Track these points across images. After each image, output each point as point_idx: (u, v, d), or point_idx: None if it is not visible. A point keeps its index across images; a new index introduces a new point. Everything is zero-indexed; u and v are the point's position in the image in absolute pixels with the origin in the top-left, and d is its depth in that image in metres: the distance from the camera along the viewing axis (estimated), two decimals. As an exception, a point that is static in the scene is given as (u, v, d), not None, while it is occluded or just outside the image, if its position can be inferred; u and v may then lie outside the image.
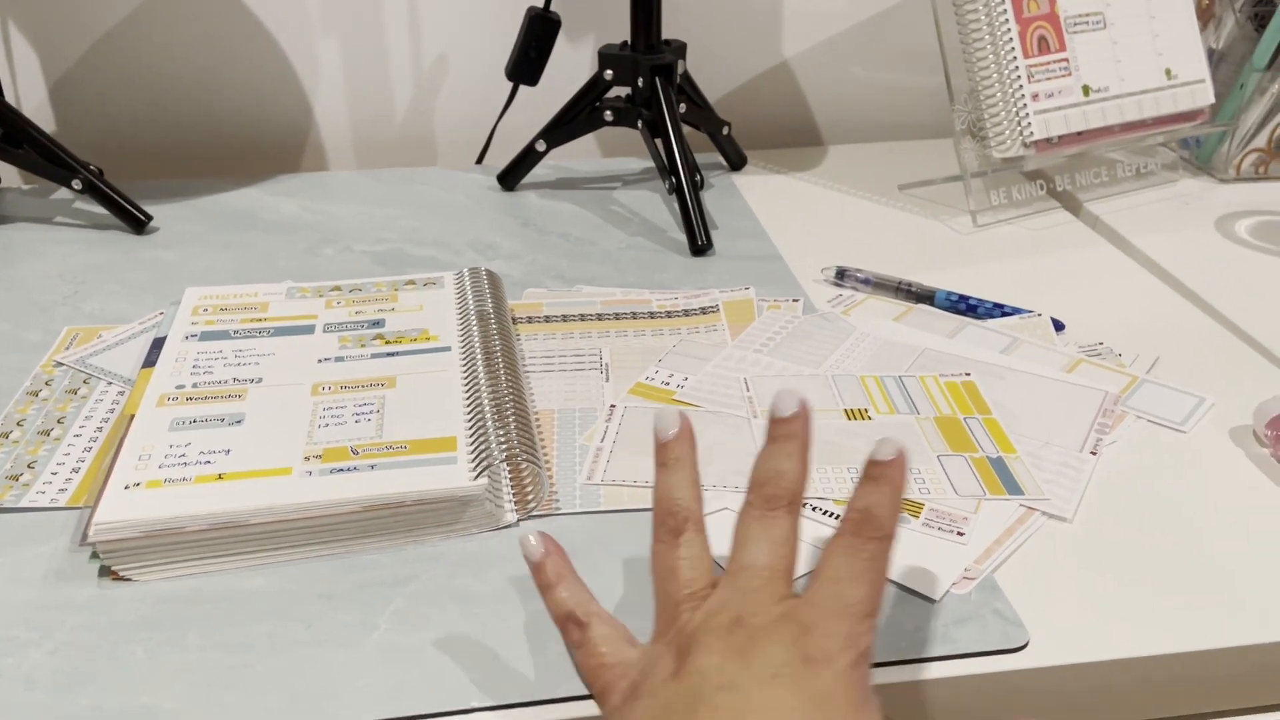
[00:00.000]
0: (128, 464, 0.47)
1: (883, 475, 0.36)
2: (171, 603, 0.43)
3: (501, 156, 0.87)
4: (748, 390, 0.57)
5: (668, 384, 0.58)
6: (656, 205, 0.83)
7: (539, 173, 0.87)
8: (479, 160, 0.93)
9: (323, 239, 0.77)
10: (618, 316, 0.65)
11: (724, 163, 0.91)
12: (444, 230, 0.78)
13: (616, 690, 0.36)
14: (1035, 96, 0.75)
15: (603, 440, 0.53)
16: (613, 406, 0.56)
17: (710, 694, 0.31)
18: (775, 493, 0.36)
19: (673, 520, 0.37)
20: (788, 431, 0.37)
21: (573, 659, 0.39)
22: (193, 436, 0.49)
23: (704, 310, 0.66)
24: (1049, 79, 0.76)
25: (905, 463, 0.36)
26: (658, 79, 0.78)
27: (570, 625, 0.39)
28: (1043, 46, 0.76)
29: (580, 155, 0.95)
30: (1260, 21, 0.83)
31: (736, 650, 0.32)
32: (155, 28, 0.89)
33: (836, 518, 0.47)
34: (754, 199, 0.84)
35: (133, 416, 0.50)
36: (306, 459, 0.47)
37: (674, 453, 0.39)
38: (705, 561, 0.37)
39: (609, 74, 0.80)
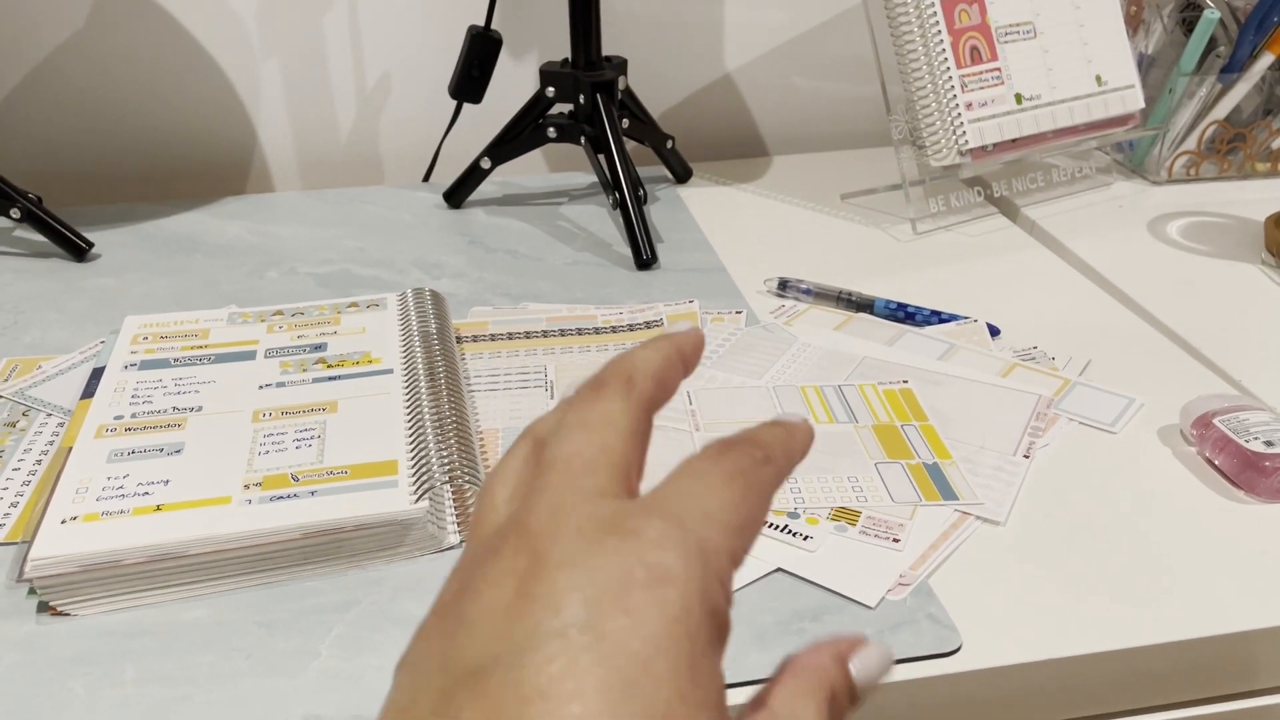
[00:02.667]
0: (65, 497, 0.46)
1: (779, 422, 0.27)
2: (110, 636, 0.43)
3: (448, 174, 0.87)
4: (690, 404, 0.58)
5: (612, 399, 0.58)
6: (603, 220, 0.84)
7: (486, 189, 0.88)
8: (425, 178, 0.93)
9: (267, 261, 0.76)
10: (563, 333, 0.66)
11: (669, 176, 0.92)
12: (389, 250, 0.78)
13: (476, 534, 0.25)
14: (969, 105, 0.77)
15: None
16: (556, 424, 0.56)
17: (469, 674, 0.21)
18: (606, 375, 0.26)
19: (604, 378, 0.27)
20: (662, 337, 0.28)
21: None
22: (131, 468, 0.48)
23: (648, 324, 0.67)
24: (982, 88, 0.77)
25: (810, 432, 0.28)
26: (599, 95, 0.79)
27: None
28: (975, 56, 0.77)
29: (528, 171, 0.95)
30: (1188, 26, 0.86)
31: (516, 582, 0.21)
32: (93, 53, 0.89)
33: (772, 527, 0.48)
34: (699, 211, 0.85)
35: (70, 449, 0.50)
36: (246, 487, 0.47)
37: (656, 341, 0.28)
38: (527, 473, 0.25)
39: (551, 91, 0.80)
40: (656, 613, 0.21)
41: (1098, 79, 0.82)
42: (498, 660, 0.20)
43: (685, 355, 0.28)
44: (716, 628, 0.22)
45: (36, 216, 0.75)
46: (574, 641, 0.20)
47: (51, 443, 0.54)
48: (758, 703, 0.24)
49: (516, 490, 0.25)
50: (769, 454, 0.26)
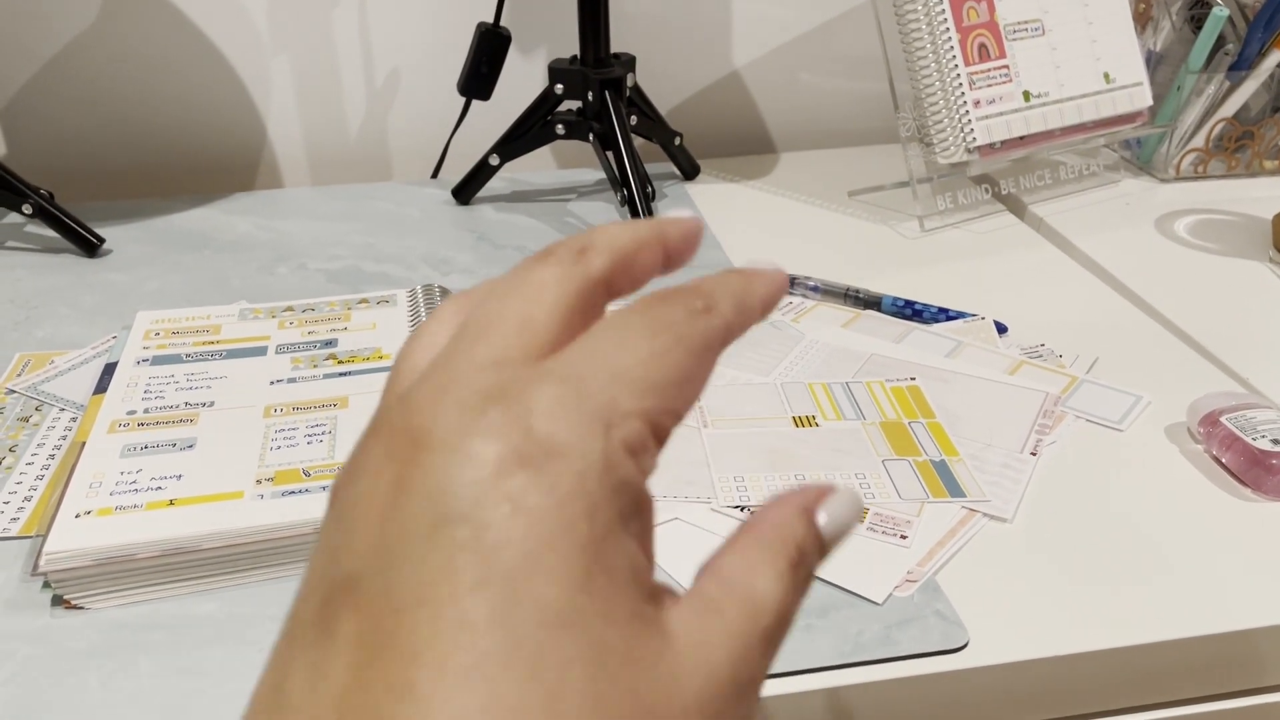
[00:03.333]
0: (78, 492, 0.47)
1: (742, 270, 0.23)
2: (124, 630, 0.43)
3: (457, 171, 0.88)
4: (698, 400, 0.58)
5: (620, 396, 0.59)
6: (611, 217, 0.84)
7: (494, 186, 0.88)
8: (434, 175, 0.93)
9: (277, 257, 0.77)
10: (571, 329, 0.66)
11: (677, 172, 0.92)
12: (399, 246, 0.79)
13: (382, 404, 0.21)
14: (977, 103, 0.77)
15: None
16: (565, 420, 0.57)
17: (352, 580, 0.18)
18: (555, 244, 0.22)
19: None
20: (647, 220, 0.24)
21: None
22: (144, 463, 0.49)
23: (656, 321, 0.67)
24: (990, 85, 0.77)
25: (782, 280, 0.24)
26: (607, 92, 0.79)
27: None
28: (983, 54, 0.77)
29: (536, 168, 0.95)
30: (1196, 24, 0.86)
31: (395, 470, 0.19)
32: (104, 49, 0.89)
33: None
34: (707, 208, 0.85)
35: (84, 444, 0.50)
36: (258, 482, 0.48)
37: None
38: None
39: (559, 88, 0.80)
40: (542, 496, 0.18)
41: (1106, 76, 0.82)
42: (369, 566, 0.18)
43: (669, 242, 0.23)
44: (629, 502, 0.19)
45: (48, 212, 0.76)
46: (450, 538, 0.17)
47: (64, 438, 0.55)
48: (711, 569, 0.21)
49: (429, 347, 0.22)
50: (711, 303, 0.21)
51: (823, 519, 0.22)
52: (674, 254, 0.23)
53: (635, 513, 0.19)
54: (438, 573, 0.17)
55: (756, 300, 0.23)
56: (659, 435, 0.20)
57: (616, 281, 0.22)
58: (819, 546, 0.22)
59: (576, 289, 0.21)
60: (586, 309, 0.21)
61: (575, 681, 0.17)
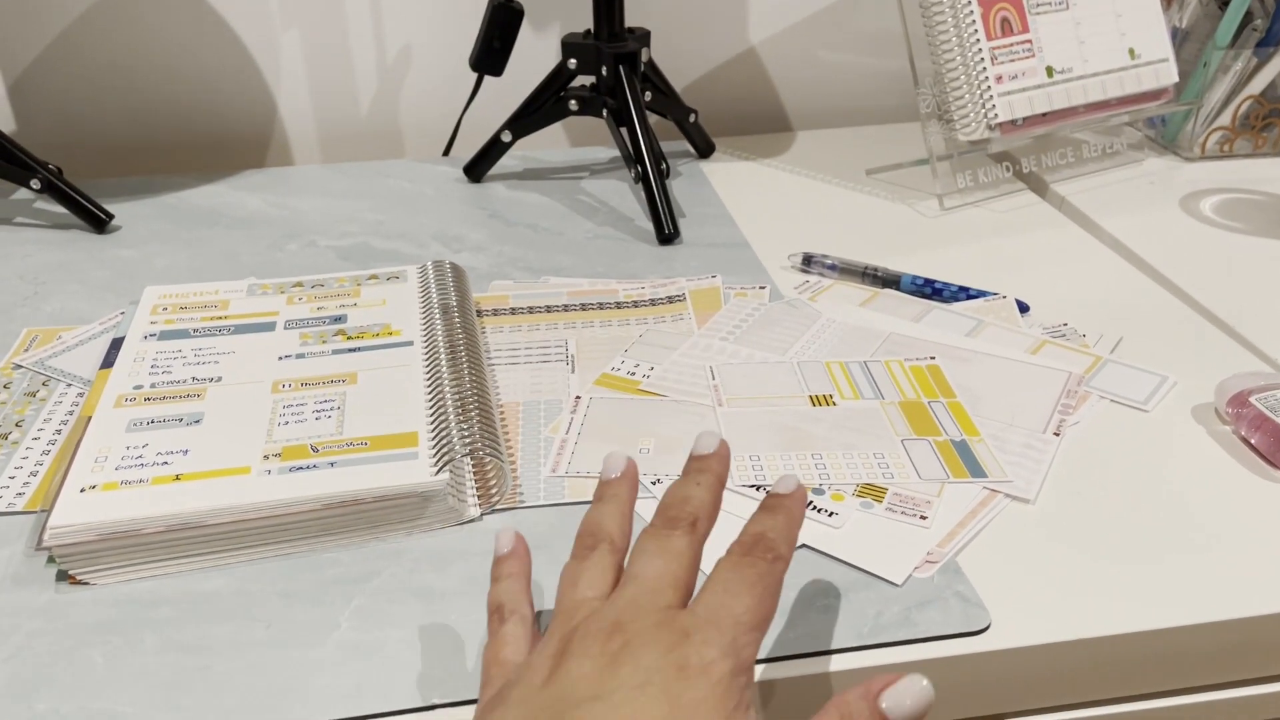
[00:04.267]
0: (84, 466, 0.46)
1: (779, 505, 0.37)
2: (129, 605, 0.42)
3: (469, 148, 0.87)
4: (713, 379, 0.57)
5: (633, 374, 0.58)
6: (624, 194, 0.83)
7: (506, 163, 0.87)
8: (446, 152, 0.92)
9: (287, 234, 0.76)
10: (584, 307, 0.65)
11: (692, 150, 0.91)
12: (409, 223, 0.78)
13: (490, 690, 0.34)
14: (999, 79, 0.75)
15: (567, 432, 0.53)
16: (578, 398, 0.56)
17: (574, 706, 0.30)
18: (678, 514, 0.36)
19: (590, 539, 0.37)
20: (702, 465, 0.38)
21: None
22: (150, 437, 0.48)
23: (670, 299, 0.66)
24: (1012, 60, 0.76)
25: (804, 497, 0.38)
26: (621, 67, 0.78)
27: (495, 616, 0.38)
28: (1006, 28, 0.76)
29: (548, 145, 0.94)
30: (1222, 0, 0.84)
31: (610, 656, 0.31)
32: (114, 24, 0.88)
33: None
34: (722, 186, 0.84)
35: (89, 419, 0.50)
36: (265, 458, 0.47)
37: (612, 489, 0.39)
38: (608, 580, 0.36)
39: (573, 63, 0.79)
40: (705, 682, 0.30)
41: (1131, 52, 0.80)
42: (597, 698, 0.30)
43: (724, 482, 0.39)
44: (748, 693, 0.32)
45: (57, 187, 0.75)
46: (649, 691, 0.30)
47: (71, 412, 0.54)
48: None
49: (595, 587, 0.35)
50: (778, 552, 0.35)
51: (885, 703, 0.32)
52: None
53: (750, 700, 0.31)
54: (642, 707, 0.30)
55: (797, 527, 0.37)
56: (758, 647, 0.33)
57: (710, 530, 0.37)
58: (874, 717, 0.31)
59: (696, 551, 0.36)
60: (700, 556, 0.36)
61: None
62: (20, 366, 0.59)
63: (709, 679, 0.30)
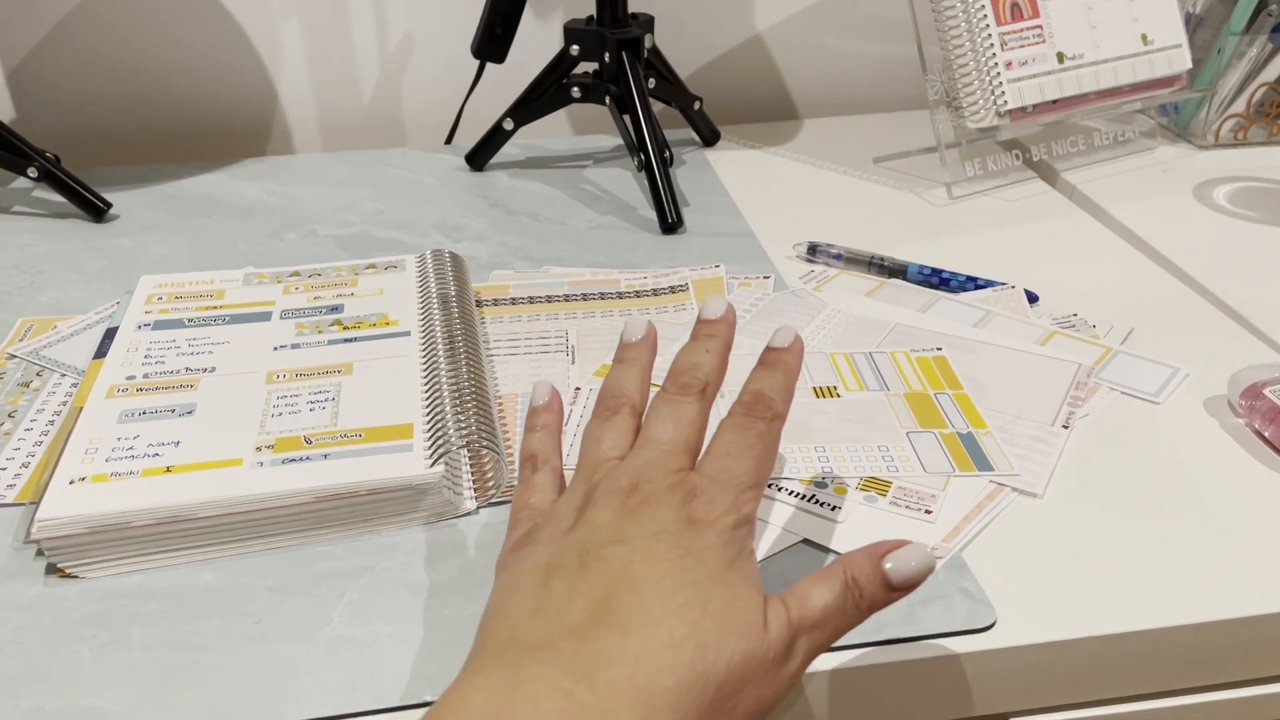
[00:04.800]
0: (74, 458, 0.45)
1: (777, 361, 0.40)
2: (119, 599, 0.42)
3: (472, 136, 0.86)
4: (715, 369, 0.56)
5: (634, 365, 0.57)
6: (628, 183, 0.82)
7: (509, 152, 0.86)
8: (448, 140, 0.91)
9: (286, 223, 0.75)
10: (585, 297, 0.64)
11: (697, 138, 0.90)
12: (410, 213, 0.77)
13: (519, 531, 0.38)
14: (1009, 65, 0.74)
15: (567, 425, 0.52)
16: (577, 389, 0.55)
17: (599, 547, 0.34)
18: (688, 380, 0.39)
19: (612, 401, 0.41)
20: (710, 330, 0.41)
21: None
22: (142, 429, 0.47)
23: (673, 289, 0.65)
24: (1022, 46, 0.74)
25: (800, 349, 0.40)
26: (624, 54, 0.76)
27: (527, 464, 0.42)
28: (1016, 13, 0.74)
29: (551, 133, 0.93)
30: (1238, -16, 0.82)
31: (629, 510, 0.35)
32: (112, 12, 0.87)
33: (799, 496, 0.46)
34: (727, 175, 0.83)
35: (81, 409, 0.49)
36: (258, 449, 0.46)
37: (632, 352, 0.42)
38: (628, 440, 0.39)
39: (575, 49, 0.78)
40: (711, 532, 0.34)
41: (1143, 38, 0.79)
42: (619, 541, 0.34)
43: (730, 346, 0.41)
44: (749, 542, 0.35)
45: (54, 176, 0.75)
46: (664, 539, 0.34)
47: (65, 403, 0.54)
48: (795, 586, 0.35)
49: (617, 447, 0.39)
50: (775, 410, 0.38)
51: (889, 564, 0.34)
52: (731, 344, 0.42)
53: (739, 560, 0.34)
54: (658, 553, 0.33)
55: (794, 379, 0.40)
56: (760, 494, 0.37)
57: (716, 394, 0.40)
58: (881, 583, 0.34)
59: (707, 414, 0.39)
60: (708, 418, 0.39)
61: (716, 601, 0.32)
62: (15, 356, 0.58)
63: (714, 530, 0.34)
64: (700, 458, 0.37)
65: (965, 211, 0.76)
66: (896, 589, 0.34)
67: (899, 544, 0.34)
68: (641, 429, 0.39)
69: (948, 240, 0.71)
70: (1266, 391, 0.50)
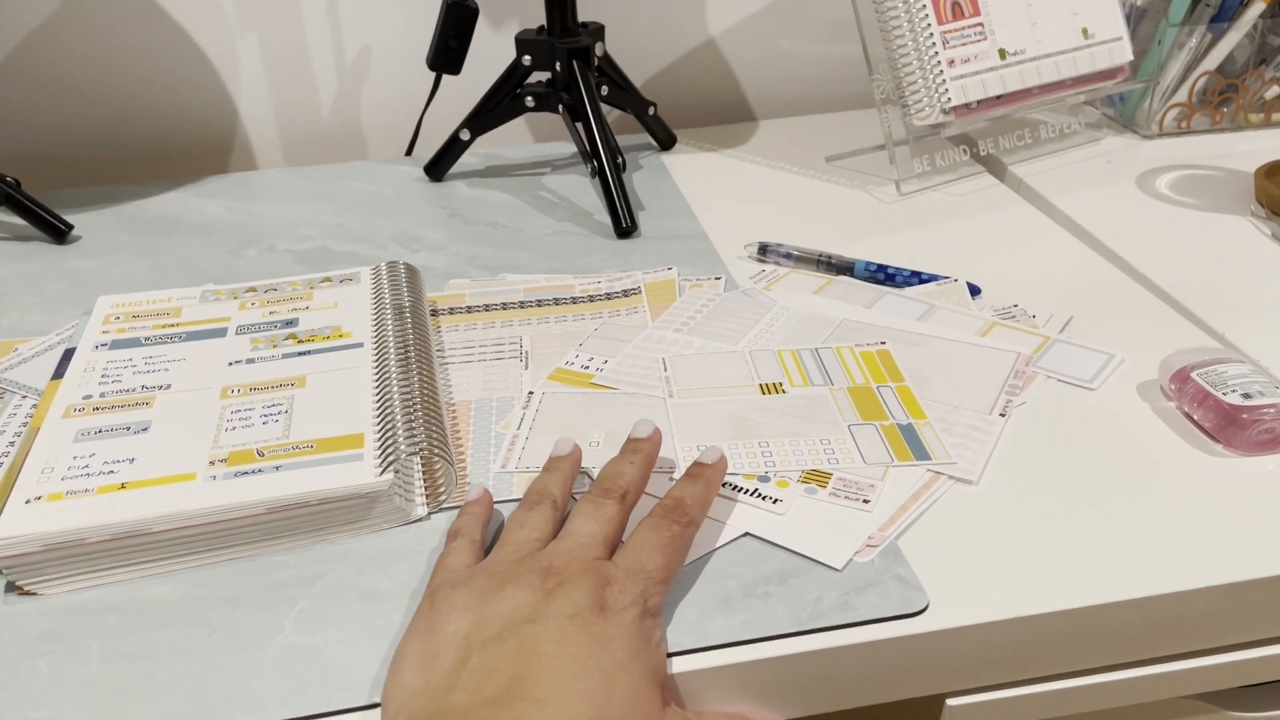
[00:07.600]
0: (30, 478, 0.46)
1: (700, 475, 0.45)
2: (75, 615, 0.43)
3: (432, 147, 0.87)
4: (665, 370, 0.57)
5: (587, 368, 0.58)
6: (585, 189, 0.83)
7: (468, 162, 0.87)
8: (408, 152, 0.92)
9: (246, 240, 0.76)
10: (540, 303, 0.65)
11: (654, 143, 0.91)
12: (369, 225, 0.78)
13: (444, 585, 0.40)
14: (951, 62, 0.75)
15: (519, 427, 0.53)
16: (530, 393, 0.56)
17: (518, 625, 0.37)
18: (611, 486, 0.44)
19: (536, 496, 0.45)
20: (637, 447, 0.46)
21: None
22: (97, 447, 0.48)
23: (626, 293, 0.66)
24: (964, 44, 0.76)
25: (724, 467, 0.46)
26: (575, 62, 0.78)
27: (450, 539, 0.44)
28: (957, 12, 0.76)
29: (512, 142, 0.94)
30: (1177, -24, 0.84)
31: (547, 592, 0.38)
32: (69, 34, 0.88)
33: (742, 491, 0.48)
34: (682, 178, 0.84)
35: (38, 429, 0.50)
36: (211, 463, 0.47)
37: (558, 464, 0.47)
38: (549, 530, 0.43)
39: (527, 59, 0.79)
40: (619, 621, 0.38)
41: (1084, 31, 0.81)
42: (534, 621, 0.37)
43: (654, 461, 0.47)
44: (656, 633, 0.39)
45: (14, 199, 0.75)
46: (576, 622, 0.37)
47: (25, 425, 0.54)
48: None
49: (538, 537, 0.42)
50: (691, 516, 0.43)
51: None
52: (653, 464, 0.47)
53: (644, 650, 0.38)
54: (569, 635, 0.37)
55: (713, 492, 0.45)
56: (665, 592, 0.41)
57: (637, 500, 0.45)
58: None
59: (626, 517, 0.44)
60: (626, 521, 0.44)
61: (619, 691, 0.36)
62: (-25, 380, 0.59)
63: (623, 619, 0.38)
64: (616, 553, 0.41)
65: (915, 207, 0.77)
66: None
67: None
68: (565, 524, 0.43)
69: (897, 236, 0.73)
70: (1194, 375, 0.52)
